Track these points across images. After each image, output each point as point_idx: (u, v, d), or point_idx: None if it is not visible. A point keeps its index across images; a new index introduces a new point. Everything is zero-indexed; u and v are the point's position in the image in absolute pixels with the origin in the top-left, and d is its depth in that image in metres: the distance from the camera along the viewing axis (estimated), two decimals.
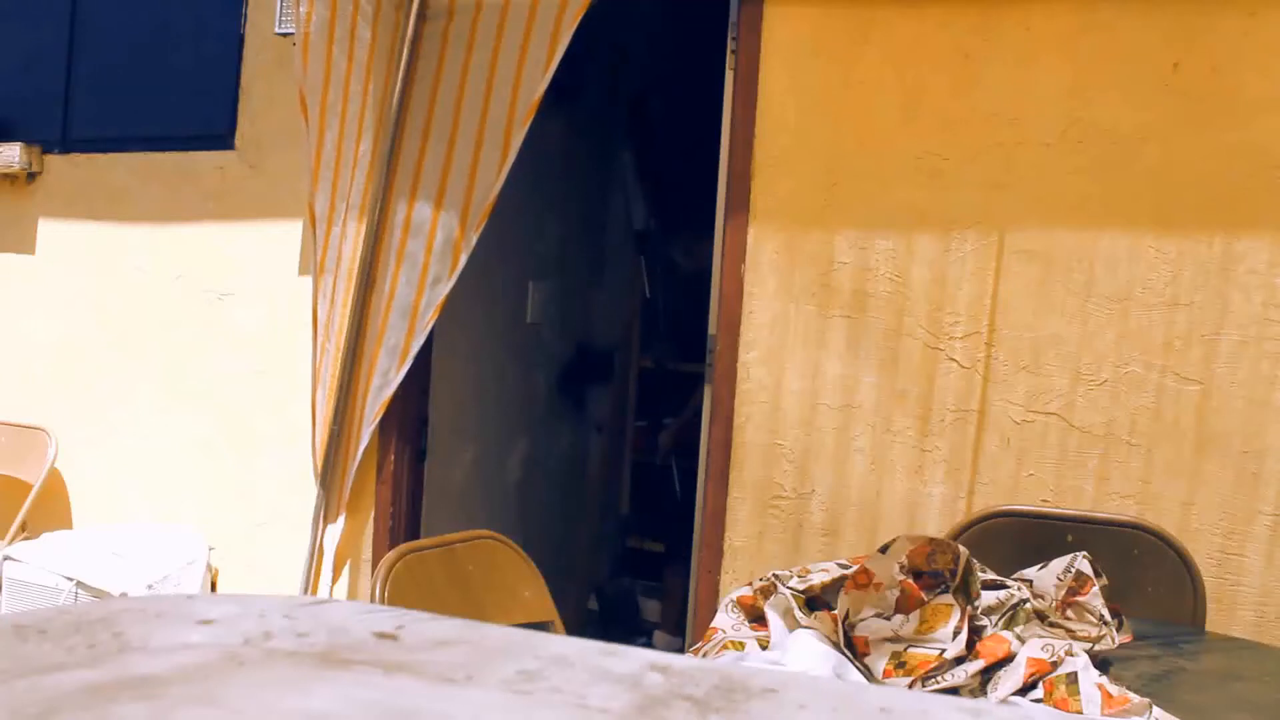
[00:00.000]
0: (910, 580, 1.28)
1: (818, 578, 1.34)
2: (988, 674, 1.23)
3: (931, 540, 1.31)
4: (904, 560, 1.29)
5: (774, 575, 1.40)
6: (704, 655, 1.39)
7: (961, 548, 1.33)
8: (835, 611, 1.32)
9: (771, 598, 1.40)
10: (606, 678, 0.48)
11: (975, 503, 2.24)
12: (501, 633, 0.54)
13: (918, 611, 1.27)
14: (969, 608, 1.28)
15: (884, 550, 1.30)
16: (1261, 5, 2.04)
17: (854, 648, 1.27)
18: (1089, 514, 1.95)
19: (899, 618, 1.27)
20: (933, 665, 1.22)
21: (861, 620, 1.27)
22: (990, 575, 1.43)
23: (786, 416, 2.41)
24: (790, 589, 1.36)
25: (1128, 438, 2.15)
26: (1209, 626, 1.83)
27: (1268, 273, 2.04)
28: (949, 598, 1.28)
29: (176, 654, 0.49)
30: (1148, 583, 1.79)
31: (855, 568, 1.31)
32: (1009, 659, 1.24)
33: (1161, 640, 1.55)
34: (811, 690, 0.48)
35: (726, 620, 1.45)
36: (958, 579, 1.30)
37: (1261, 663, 1.51)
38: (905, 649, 1.26)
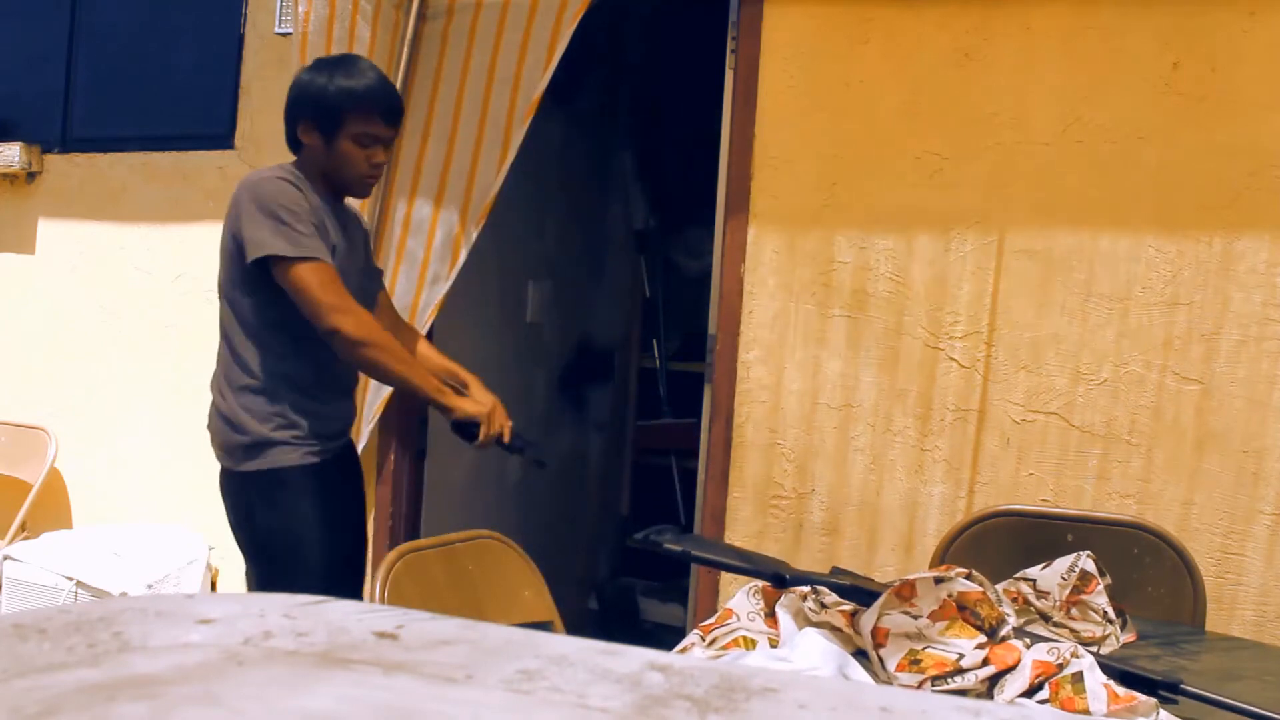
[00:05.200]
0: (952, 603, 1.27)
1: (834, 611, 1.34)
2: (995, 680, 1.23)
3: (984, 594, 1.30)
4: (954, 593, 1.28)
5: (794, 592, 1.40)
6: (714, 637, 1.39)
7: (1009, 612, 1.32)
8: (847, 609, 1.32)
9: (783, 596, 1.41)
10: (606, 677, 0.48)
11: (975, 502, 2.24)
12: (501, 632, 0.54)
13: (946, 621, 1.27)
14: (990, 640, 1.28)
15: (938, 582, 1.28)
16: (1261, 5, 2.04)
17: (874, 635, 1.27)
18: (1089, 514, 1.95)
19: (925, 620, 1.27)
20: (948, 669, 1.22)
21: (888, 615, 1.27)
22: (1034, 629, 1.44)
23: (786, 416, 2.41)
24: (809, 608, 1.35)
25: (1128, 437, 2.15)
26: (1209, 626, 1.83)
27: (1267, 272, 2.04)
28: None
29: (176, 654, 0.49)
30: (1148, 582, 1.79)
31: (897, 581, 1.30)
32: (1017, 665, 1.24)
33: (1161, 640, 1.55)
34: (811, 689, 0.48)
35: (745, 605, 1.44)
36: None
37: (1261, 662, 1.51)
38: (924, 649, 1.25)
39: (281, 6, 3.03)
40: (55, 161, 3.51)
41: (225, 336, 1.98)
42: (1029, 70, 2.21)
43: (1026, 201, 2.22)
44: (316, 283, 1.85)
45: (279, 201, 1.87)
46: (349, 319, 1.86)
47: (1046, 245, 2.21)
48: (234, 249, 1.92)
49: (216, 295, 2.01)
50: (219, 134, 3.19)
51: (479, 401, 2.02)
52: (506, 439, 2.01)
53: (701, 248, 3.51)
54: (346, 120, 1.93)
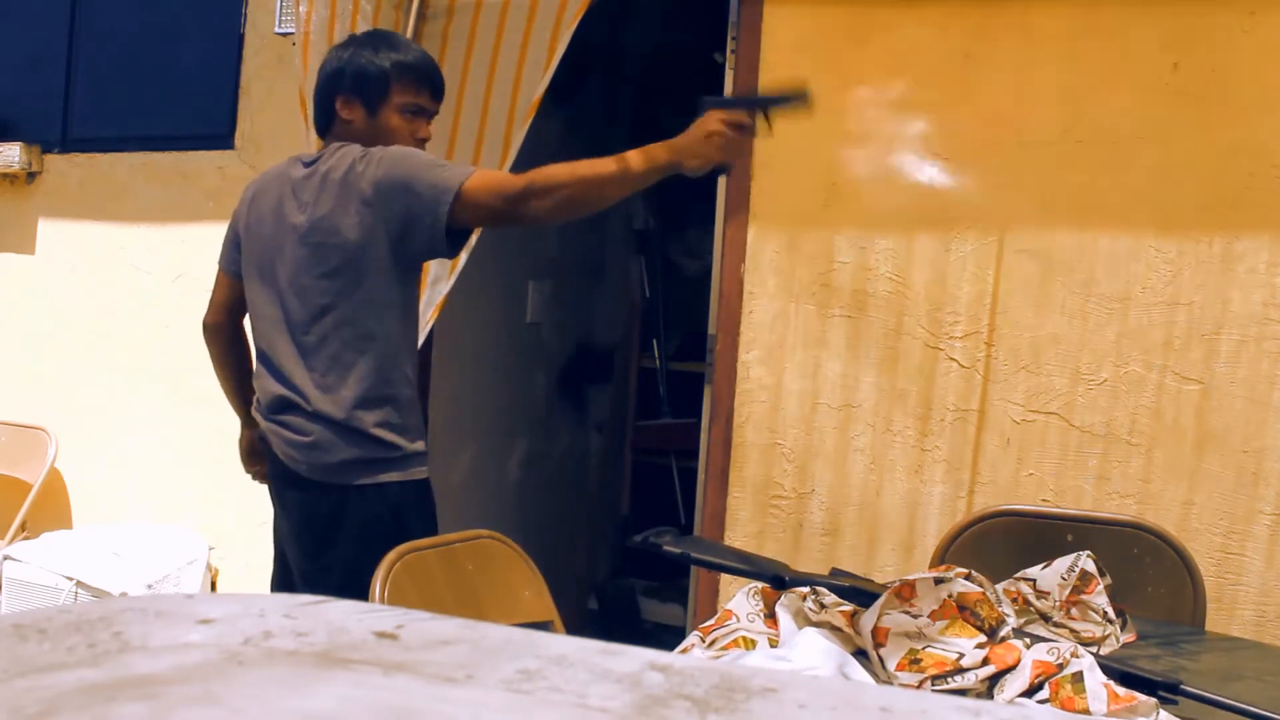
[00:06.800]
0: (952, 603, 1.27)
1: (834, 610, 1.34)
2: (995, 680, 1.23)
3: (984, 594, 1.30)
4: (954, 593, 1.28)
5: (794, 592, 1.40)
6: (714, 638, 1.39)
7: (1009, 612, 1.32)
8: (847, 609, 1.32)
9: (783, 596, 1.41)
10: (606, 677, 0.48)
11: (975, 502, 2.24)
12: (501, 632, 0.54)
13: (946, 620, 1.27)
14: (991, 641, 1.28)
15: (938, 582, 1.28)
16: (1261, 5, 2.04)
17: (874, 635, 1.27)
18: (1089, 514, 1.95)
19: (925, 620, 1.27)
20: (948, 669, 1.22)
21: (888, 615, 1.27)
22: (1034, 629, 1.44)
23: (786, 416, 2.41)
24: (808, 608, 1.35)
25: (1128, 437, 2.15)
26: (1209, 626, 1.83)
27: (1267, 272, 2.04)
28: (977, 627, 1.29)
29: (176, 654, 0.49)
30: (1148, 582, 1.79)
31: (897, 581, 1.30)
32: (1017, 665, 1.24)
33: (1161, 640, 1.55)
34: (811, 689, 0.48)
35: (744, 606, 1.44)
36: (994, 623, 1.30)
37: (1261, 662, 1.51)
38: (924, 648, 1.25)
39: (281, 6, 3.03)
40: (55, 161, 3.51)
41: (348, 336, 1.83)
42: (1029, 70, 2.21)
43: (1026, 201, 2.22)
44: (486, 187, 1.78)
45: (407, 154, 1.81)
46: (533, 203, 1.77)
47: (1046, 245, 2.20)
48: (394, 231, 1.78)
49: (287, 292, 1.83)
50: (219, 134, 3.20)
51: (684, 143, 1.69)
52: (739, 121, 1.65)
53: (701, 248, 3.51)
54: (394, 91, 1.89)
